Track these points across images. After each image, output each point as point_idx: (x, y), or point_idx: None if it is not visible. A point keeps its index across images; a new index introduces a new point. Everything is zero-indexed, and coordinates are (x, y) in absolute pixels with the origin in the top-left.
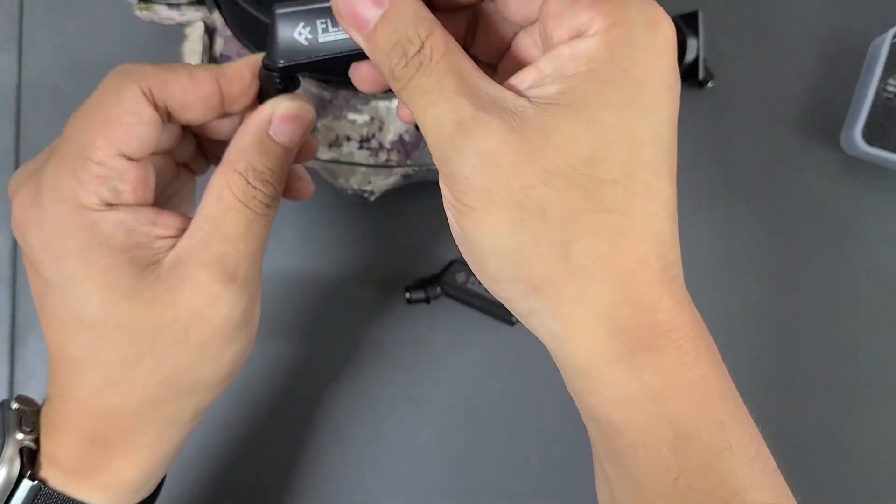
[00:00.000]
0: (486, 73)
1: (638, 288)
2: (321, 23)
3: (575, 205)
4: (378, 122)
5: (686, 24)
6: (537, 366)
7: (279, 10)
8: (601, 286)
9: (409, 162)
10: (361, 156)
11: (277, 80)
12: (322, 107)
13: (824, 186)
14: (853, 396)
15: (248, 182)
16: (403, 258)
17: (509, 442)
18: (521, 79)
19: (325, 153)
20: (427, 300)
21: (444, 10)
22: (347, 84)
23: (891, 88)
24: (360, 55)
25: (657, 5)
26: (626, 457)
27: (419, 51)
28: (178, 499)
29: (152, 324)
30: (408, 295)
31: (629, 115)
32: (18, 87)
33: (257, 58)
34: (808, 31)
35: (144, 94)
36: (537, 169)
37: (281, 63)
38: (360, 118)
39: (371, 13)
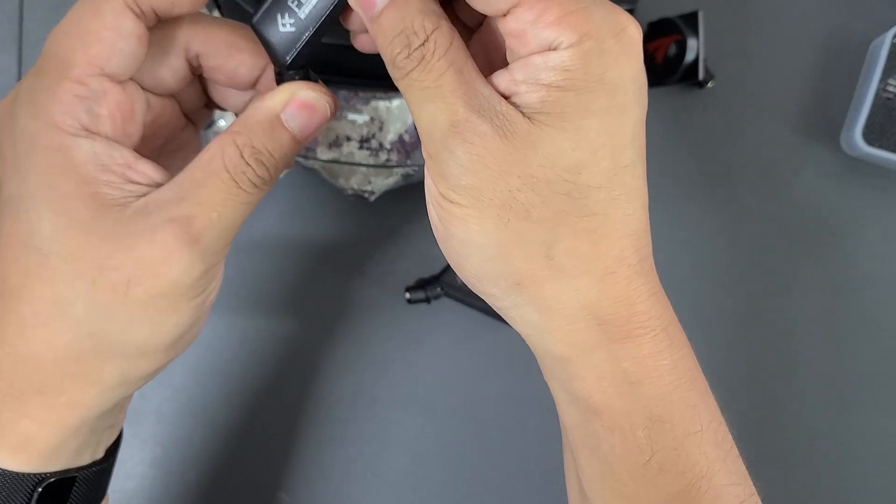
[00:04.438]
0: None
1: (617, 283)
2: (292, 3)
3: (558, 208)
4: (378, 122)
5: (686, 24)
6: (537, 366)
7: (254, 21)
8: (580, 283)
9: (409, 162)
10: (361, 156)
11: (294, 77)
12: None
13: (824, 186)
14: (852, 397)
15: (242, 157)
16: (403, 258)
17: (509, 441)
18: (496, 82)
19: (325, 153)
20: (427, 300)
21: None
22: (347, 84)
23: (891, 88)
24: (342, 4)
25: (620, 9)
26: (601, 439)
27: (423, 44)
28: (177, 498)
29: (97, 264)
30: (408, 295)
31: (609, 121)
32: None
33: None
34: (808, 31)
35: (127, 4)
36: (524, 174)
37: (287, 60)
38: (360, 118)
39: None
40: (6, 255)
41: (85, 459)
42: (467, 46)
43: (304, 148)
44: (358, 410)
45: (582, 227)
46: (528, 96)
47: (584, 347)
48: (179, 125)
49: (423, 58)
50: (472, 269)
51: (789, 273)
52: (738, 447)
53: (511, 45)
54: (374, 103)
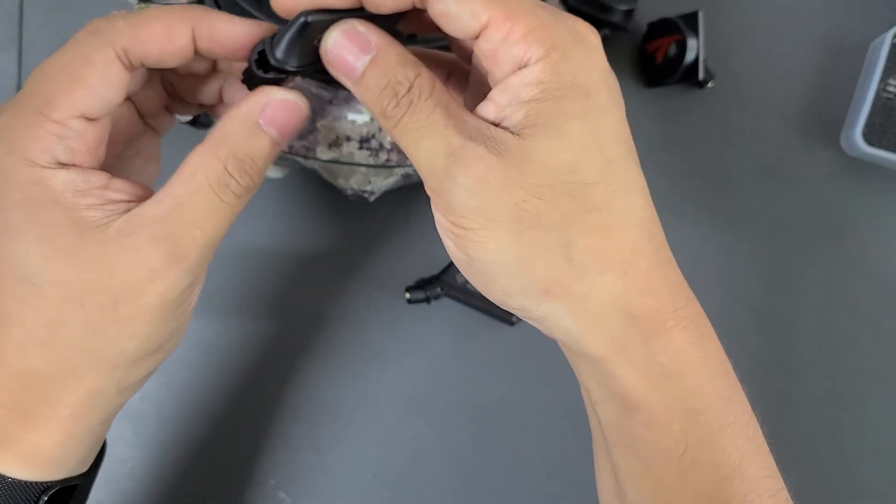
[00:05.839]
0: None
1: (638, 275)
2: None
3: (566, 209)
4: (378, 122)
5: (686, 24)
6: (537, 366)
7: (307, 17)
8: (605, 279)
9: (408, 162)
10: (361, 156)
11: (270, 74)
12: (322, 107)
13: (824, 186)
14: (852, 397)
15: (226, 169)
16: (403, 258)
17: (509, 442)
18: (485, 112)
19: (325, 153)
20: (427, 300)
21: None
22: None
23: (891, 88)
24: None
25: (577, 19)
26: (638, 435)
27: (408, 90)
28: (178, 498)
29: (85, 287)
30: (408, 295)
31: (589, 120)
32: (18, 87)
33: (245, 28)
34: (808, 31)
35: (118, 55)
36: (527, 184)
37: (281, 61)
38: (360, 118)
39: (360, 60)
40: None
41: (84, 468)
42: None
43: (304, 148)
44: (358, 410)
45: (592, 224)
46: (514, 117)
47: (620, 345)
48: (137, 130)
49: (411, 102)
50: (501, 287)
51: (789, 273)
52: None
53: (488, 66)
54: None
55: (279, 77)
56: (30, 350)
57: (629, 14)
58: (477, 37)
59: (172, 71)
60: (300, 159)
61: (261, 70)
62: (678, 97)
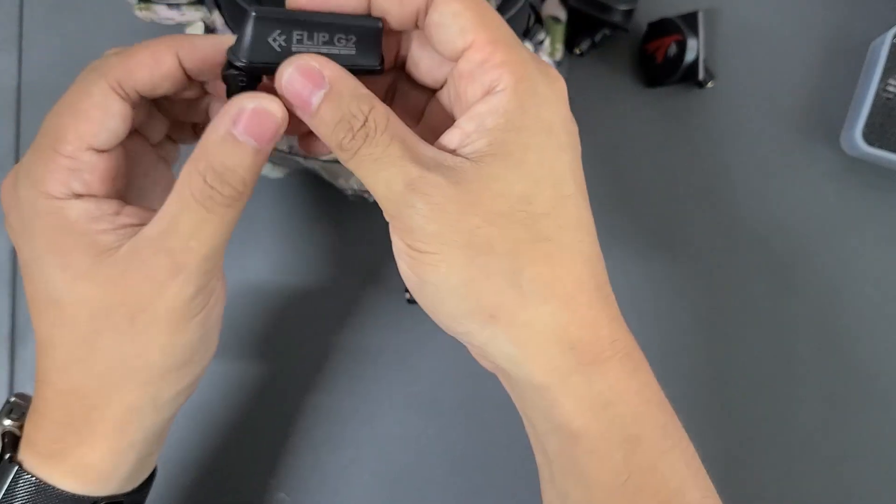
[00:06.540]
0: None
1: (579, 307)
2: (297, 34)
3: (517, 237)
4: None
5: (686, 24)
6: None
7: (258, 12)
8: (548, 308)
9: None
10: None
11: (241, 79)
12: None
13: (824, 186)
14: (853, 398)
15: (206, 182)
16: None
17: (510, 442)
18: (449, 139)
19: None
20: None
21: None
22: None
23: (891, 88)
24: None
25: (550, 65)
26: (582, 464)
27: (364, 124)
28: (178, 499)
29: (105, 303)
30: (408, 295)
31: (548, 155)
32: (18, 87)
33: (222, 40)
34: (808, 31)
35: (112, 87)
36: (481, 212)
37: (243, 62)
38: None
39: (315, 95)
40: (34, 311)
41: (130, 486)
42: (418, 126)
43: None
44: (358, 410)
45: (540, 253)
46: (478, 143)
47: (561, 373)
48: (152, 161)
49: (367, 135)
50: (448, 310)
51: (789, 273)
52: (737, 448)
53: (460, 86)
54: None
55: (252, 82)
56: (71, 367)
57: (629, 14)
58: (459, 57)
59: (168, 99)
60: (300, 159)
61: (232, 75)
62: (678, 97)
